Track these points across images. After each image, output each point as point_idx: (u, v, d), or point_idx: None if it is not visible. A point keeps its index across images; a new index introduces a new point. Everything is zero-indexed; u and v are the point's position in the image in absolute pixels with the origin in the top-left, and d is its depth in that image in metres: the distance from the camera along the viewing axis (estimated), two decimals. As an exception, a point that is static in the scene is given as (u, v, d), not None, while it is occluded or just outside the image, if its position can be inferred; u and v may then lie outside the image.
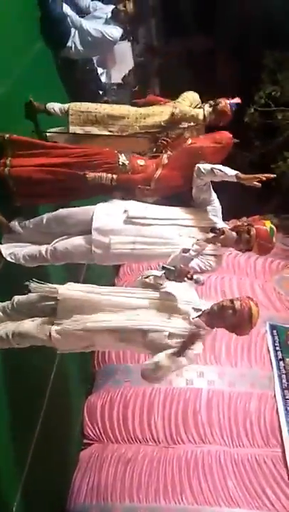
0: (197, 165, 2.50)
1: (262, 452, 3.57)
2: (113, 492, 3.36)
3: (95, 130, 3.22)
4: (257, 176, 2.41)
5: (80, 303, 2.13)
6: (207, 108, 3.12)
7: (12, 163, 2.66)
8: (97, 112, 3.21)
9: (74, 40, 4.13)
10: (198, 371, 3.84)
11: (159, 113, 3.15)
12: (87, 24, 4.11)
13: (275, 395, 3.80)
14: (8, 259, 2.56)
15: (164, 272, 2.14)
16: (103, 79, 4.88)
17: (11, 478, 2.79)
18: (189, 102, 3.17)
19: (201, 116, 3.10)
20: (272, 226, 2.40)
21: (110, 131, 3.19)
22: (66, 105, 3.31)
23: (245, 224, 2.41)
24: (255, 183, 2.41)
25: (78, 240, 2.52)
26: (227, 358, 3.93)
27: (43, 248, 2.54)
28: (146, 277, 2.19)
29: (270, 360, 4.02)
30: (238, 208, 6.19)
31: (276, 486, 3.36)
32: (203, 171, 2.47)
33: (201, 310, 2.13)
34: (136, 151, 3.00)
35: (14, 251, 2.58)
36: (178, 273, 2.12)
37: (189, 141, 2.79)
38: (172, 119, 3.13)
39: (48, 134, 3.31)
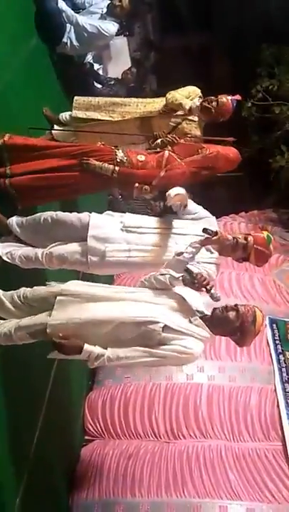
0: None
1: (262, 446, 3.59)
2: (115, 487, 3.37)
3: (96, 115, 3.33)
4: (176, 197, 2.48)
5: (80, 295, 2.14)
6: (196, 101, 3.10)
7: (12, 172, 2.65)
8: (100, 99, 3.37)
9: (69, 36, 4.11)
10: (198, 366, 3.85)
11: (159, 102, 3.25)
12: (82, 20, 4.09)
13: (275, 389, 3.81)
14: (5, 258, 2.55)
15: (182, 274, 2.13)
16: (100, 73, 4.87)
17: (14, 474, 2.79)
18: (187, 92, 3.17)
19: (187, 107, 3.07)
20: (270, 235, 2.37)
21: (111, 117, 3.29)
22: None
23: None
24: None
25: (74, 247, 2.51)
26: (227, 353, 3.94)
27: (39, 251, 2.54)
28: (162, 275, 2.17)
29: (270, 354, 4.02)
30: (237, 202, 6.21)
31: (277, 479, 3.38)
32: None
33: (203, 313, 2.10)
34: (132, 141, 3.02)
35: (11, 250, 2.57)
36: (197, 281, 2.10)
37: (207, 151, 2.78)
38: (166, 106, 3.17)
39: (53, 132, 3.38)
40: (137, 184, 2.72)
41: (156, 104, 3.25)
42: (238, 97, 3.11)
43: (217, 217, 5.57)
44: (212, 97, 3.11)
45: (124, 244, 2.46)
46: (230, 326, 2.05)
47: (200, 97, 3.19)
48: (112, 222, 2.56)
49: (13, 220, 2.67)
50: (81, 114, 3.36)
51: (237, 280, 4.56)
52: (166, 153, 2.79)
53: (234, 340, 2.13)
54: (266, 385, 3.87)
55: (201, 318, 2.09)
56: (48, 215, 2.61)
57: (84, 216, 2.57)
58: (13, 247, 2.59)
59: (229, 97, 3.05)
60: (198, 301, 2.15)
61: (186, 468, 3.37)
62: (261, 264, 2.42)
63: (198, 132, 3.16)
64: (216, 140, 3.09)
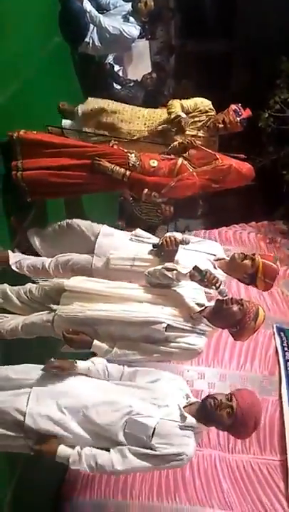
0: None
1: (257, 459, 3.54)
2: (107, 488, 3.35)
3: (104, 132, 3.30)
4: None
5: (84, 292, 2.18)
6: (186, 119, 3.06)
7: (24, 166, 2.68)
8: (108, 115, 3.31)
9: (92, 36, 4.14)
10: (199, 372, 3.81)
11: (165, 113, 3.20)
12: (105, 21, 4.12)
13: (280, 397, 3.75)
14: (14, 267, 2.61)
15: (190, 271, 2.14)
16: (120, 74, 4.90)
17: (5, 470, 2.80)
18: (194, 104, 3.15)
19: (172, 115, 3.06)
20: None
21: (119, 135, 3.25)
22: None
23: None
24: None
25: (80, 256, 2.55)
26: (230, 360, 3.90)
27: (46, 261, 2.58)
28: (170, 270, 2.17)
29: (278, 360, 3.96)
30: (248, 211, 6.19)
31: (271, 494, 3.33)
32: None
33: (204, 305, 2.13)
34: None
35: (20, 260, 2.63)
36: (207, 279, 2.11)
37: (220, 162, 2.78)
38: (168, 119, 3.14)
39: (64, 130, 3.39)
40: (146, 190, 2.73)
41: (164, 116, 3.21)
42: (247, 114, 3.08)
43: (226, 225, 5.56)
44: (219, 117, 3.09)
45: (129, 253, 2.45)
46: (232, 319, 2.06)
47: (210, 109, 3.17)
48: (123, 233, 2.60)
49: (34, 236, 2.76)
50: (90, 130, 3.34)
51: (245, 288, 4.52)
52: (180, 161, 2.79)
53: (232, 333, 2.15)
54: (267, 397, 3.82)
55: (203, 310, 2.11)
56: (64, 221, 2.69)
57: (96, 225, 2.62)
58: (22, 257, 2.65)
59: (238, 119, 3.02)
60: (199, 292, 2.17)
61: (179, 475, 3.34)
62: (269, 283, 2.39)
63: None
64: (232, 137, 3.08)
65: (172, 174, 2.77)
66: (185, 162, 2.81)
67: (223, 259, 2.45)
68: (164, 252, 2.28)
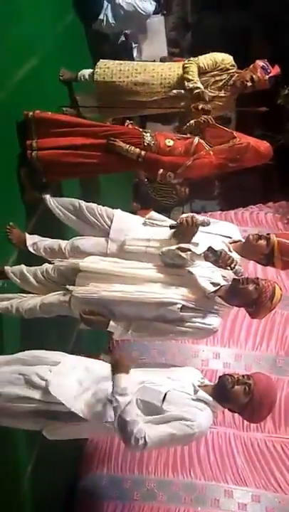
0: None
1: (271, 438, 3.58)
2: (123, 463, 3.44)
3: (122, 98, 3.21)
4: None
5: (99, 273, 2.22)
6: (206, 91, 2.91)
7: (38, 145, 2.68)
8: (121, 80, 3.17)
9: (106, 13, 4.07)
10: (214, 352, 3.84)
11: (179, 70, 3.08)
12: (120, -3, 4.03)
13: None
14: (31, 249, 2.64)
15: (204, 251, 2.13)
16: (134, 53, 4.82)
17: (25, 446, 2.88)
18: (213, 61, 3.02)
19: (191, 85, 2.92)
20: None
21: (136, 98, 3.17)
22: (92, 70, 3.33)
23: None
24: None
25: (95, 239, 2.55)
26: (246, 341, 3.91)
27: (62, 243, 2.60)
28: (184, 251, 2.15)
29: None
30: (266, 191, 6.09)
31: (285, 470, 3.38)
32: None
33: (219, 285, 2.12)
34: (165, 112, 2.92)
35: (37, 242, 2.65)
36: (222, 259, 2.09)
37: (237, 140, 2.72)
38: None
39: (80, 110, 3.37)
40: (161, 170, 2.71)
41: (180, 73, 3.06)
42: (276, 71, 2.96)
43: (243, 206, 5.50)
44: (246, 75, 2.96)
45: (144, 235, 2.43)
46: (248, 298, 2.05)
47: (232, 65, 3.04)
48: (136, 218, 2.60)
49: (48, 196, 2.75)
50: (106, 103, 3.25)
51: (262, 268, 4.48)
52: (196, 140, 2.75)
53: (248, 312, 2.15)
54: (282, 377, 3.84)
55: (218, 289, 2.11)
56: (80, 203, 2.66)
57: (110, 210, 2.61)
58: (38, 239, 2.67)
59: (266, 76, 2.93)
60: (214, 271, 2.16)
61: (194, 451, 3.40)
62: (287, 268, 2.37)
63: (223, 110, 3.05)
64: (250, 114, 2.99)
65: (188, 154, 2.74)
66: (201, 141, 2.77)
67: (240, 241, 2.39)
68: (182, 232, 2.22)
